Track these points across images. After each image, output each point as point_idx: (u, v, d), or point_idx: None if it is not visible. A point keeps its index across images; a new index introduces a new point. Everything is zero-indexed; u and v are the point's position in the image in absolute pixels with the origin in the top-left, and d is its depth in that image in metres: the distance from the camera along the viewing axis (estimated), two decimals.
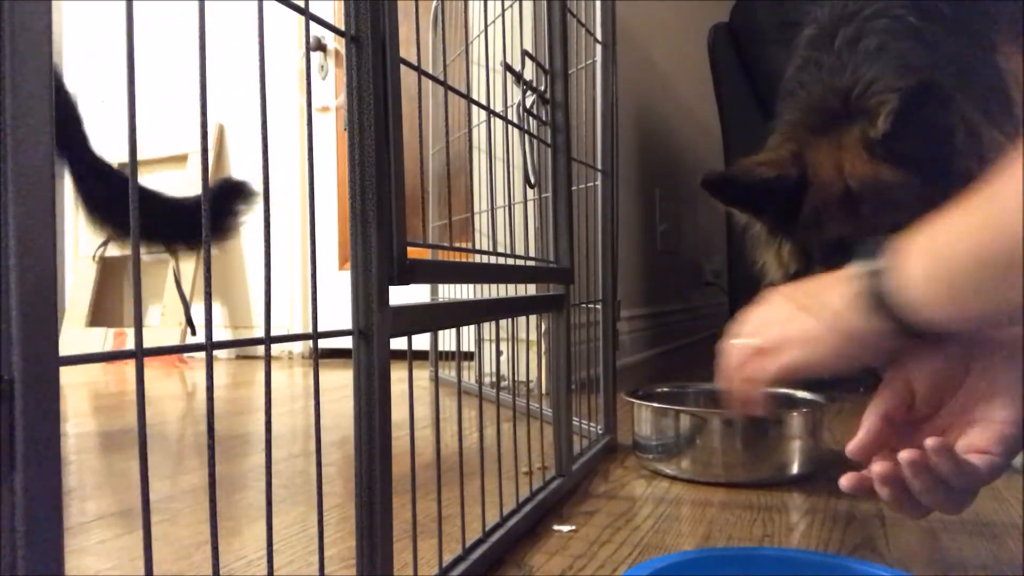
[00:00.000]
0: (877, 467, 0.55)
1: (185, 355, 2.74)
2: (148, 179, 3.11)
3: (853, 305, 0.56)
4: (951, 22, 1.00)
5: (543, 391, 1.53)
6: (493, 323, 1.36)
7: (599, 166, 1.26)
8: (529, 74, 0.96)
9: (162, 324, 2.91)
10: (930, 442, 0.53)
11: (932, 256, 0.52)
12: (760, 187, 0.99)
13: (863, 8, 1.02)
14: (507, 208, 0.94)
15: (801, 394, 1.14)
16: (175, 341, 2.76)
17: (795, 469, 1.01)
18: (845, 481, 0.59)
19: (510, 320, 1.49)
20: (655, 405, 1.08)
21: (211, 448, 0.41)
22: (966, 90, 0.92)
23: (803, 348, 0.60)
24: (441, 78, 0.72)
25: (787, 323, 0.62)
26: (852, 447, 0.61)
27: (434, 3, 1.95)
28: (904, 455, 0.54)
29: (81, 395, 2.00)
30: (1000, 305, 0.49)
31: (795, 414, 1.03)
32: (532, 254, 0.96)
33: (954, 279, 0.51)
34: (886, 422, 0.60)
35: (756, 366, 0.64)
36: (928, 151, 0.89)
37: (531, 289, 1.04)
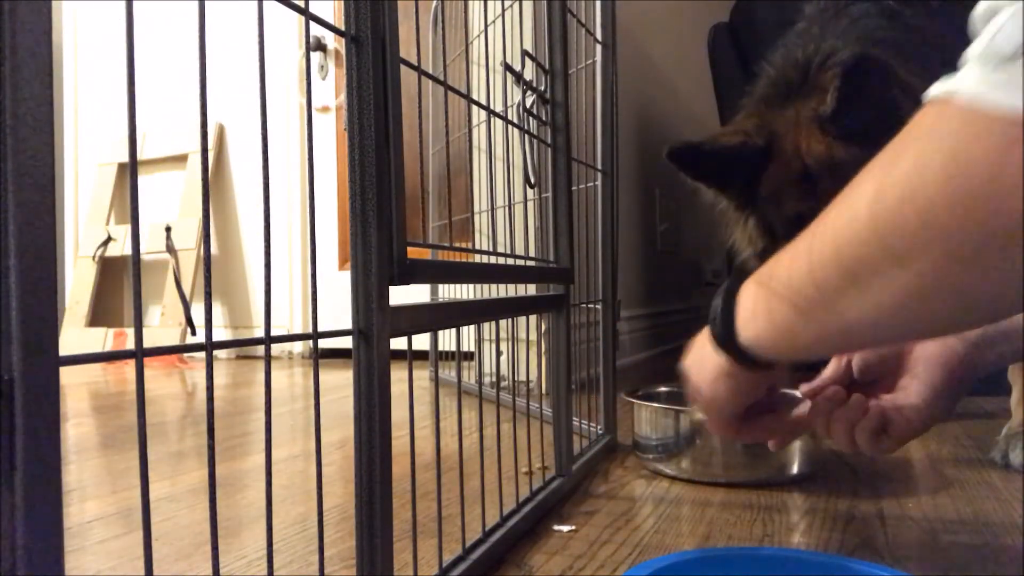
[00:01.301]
0: (820, 404, 0.68)
1: (185, 355, 2.74)
2: (148, 179, 3.12)
3: (710, 343, 0.61)
4: (936, 7, 1.00)
5: (543, 391, 1.53)
6: (493, 323, 1.37)
7: (599, 166, 1.26)
8: (529, 74, 0.96)
9: (162, 324, 2.91)
10: (873, 403, 0.66)
11: (758, 293, 0.54)
12: (725, 155, 1.00)
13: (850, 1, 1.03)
14: (507, 208, 0.94)
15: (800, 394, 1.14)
16: (175, 341, 2.76)
17: (795, 469, 1.01)
18: (773, 441, 0.73)
19: (510, 320, 1.49)
20: (656, 405, 1.08)
21: (211, 448, 0.41)
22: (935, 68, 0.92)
23: (711, 390, 0.66)
24: (441, 78, 0.72)
25: (698, 367, 0.67)
26: (807, 389, 0.72)
27: (434, 3, 1.95)
28: (855, 397, 0.67)
29: (81, 395, 2.00)
30: (824, 343, 0.52)
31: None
32: (532, 254, 0.96)
33: (773, 316, 0.52)
34: (840, 384, 0.70)
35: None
36: (876, 126, 0.89)
37: (531, 289, 1.04)
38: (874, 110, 0.88)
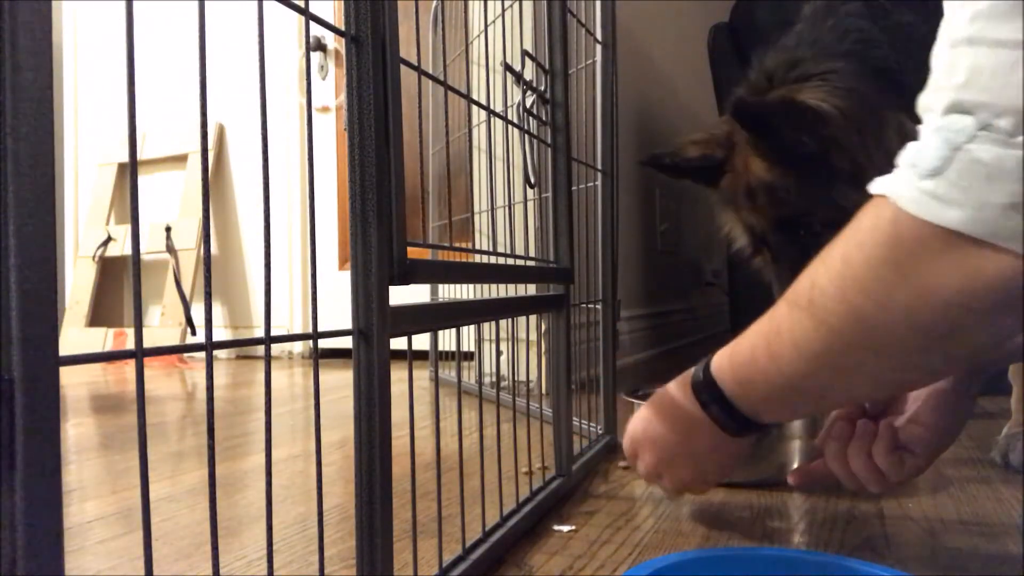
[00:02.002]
0: (831, 446, 0.67)
1: (185, 355, 2.74)
2: (148, 179, 3.11)
3: (695, 405, 0.65)
4: (933, 8, 1.00)
5: (543, 391, 1.53)
6: (493, 323, 1.36)
7: (599, 166, 1.26)
8: (529, 74, 0.96)
9: (162, 324, 2.91)
10: (884, 422, 0.65)
11: (733, 365, 0.62)
12: (686, 167, 1.05)
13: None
14: (507, 208, 0.94)
15: None
16: (175, 341, 2.76)
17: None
18: (792, 478, 0.72)
19: (510, 320, 1.49)
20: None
21: (211, 448, 0.41)
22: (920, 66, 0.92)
23: (698, 464, 0.71)
24: (441, 78, 0.72)
25: (672, 444, 0.71)
26: (819, 439, 0.72)
27: (434, 3, 1.95)
28: (860, 423, 0.66)
29: (81, 395, 2.00)
30: (799, 408, 0.64)
31: None
32: (532, 254, 0.96)
33: (752, 385, 0.60)
34: (846, 420, 0.69)
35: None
36: (790, 154, 0.93)
37: (531, 289, 1.04)
38: (784, 141, 0.92)
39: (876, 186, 0.46)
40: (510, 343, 1.61)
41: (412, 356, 0.61)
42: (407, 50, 0.58)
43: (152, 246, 2.88)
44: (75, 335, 3.01)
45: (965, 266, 0.42)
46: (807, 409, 0.68)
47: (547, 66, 0.97)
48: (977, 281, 0.42)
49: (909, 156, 0.44)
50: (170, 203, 3.03)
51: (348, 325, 0.54)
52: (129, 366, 2.46)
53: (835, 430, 0.67)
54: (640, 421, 0.73)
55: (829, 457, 0.66)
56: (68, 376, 2.16)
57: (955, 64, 0.42)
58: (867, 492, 0.69)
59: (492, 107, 0.80)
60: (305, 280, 2.96)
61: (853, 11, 0.98)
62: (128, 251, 3.03)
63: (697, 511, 0.90)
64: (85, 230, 3.19)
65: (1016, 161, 0.39)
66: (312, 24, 0.51)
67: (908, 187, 0.43)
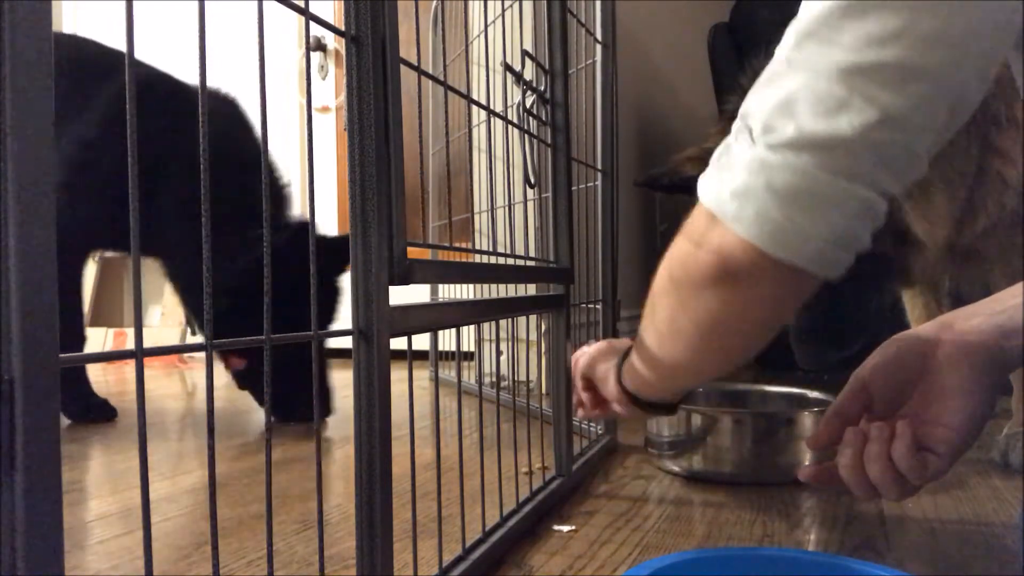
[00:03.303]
0: (845, 453, 0.62)
1: (185, 355, 2.74)
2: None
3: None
4: None
5: (543, 391, 1.53)
6: (493, 323, 1.36)
7: (599, 166, 1.26)
8: (529, 74, 0.96)
9: (162, 324, 2.91)
10: (901, 422, 0.60)
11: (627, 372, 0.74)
12: (684, 185, 1.04)
13: None
14: (507, 208, 0.94)
15: (812, 394, 1.14)
16: (175, 341, 2.76)
17: None
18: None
19: (510, 320, 1.49)
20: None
21: (211, 448, 0.41)
22: None
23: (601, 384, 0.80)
24: (441, 78, 0.72)
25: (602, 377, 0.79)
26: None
27: (434, 3, 1.95)
28: (874, 425, 0.61)
29: None
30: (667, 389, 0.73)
31: (805, 413, 1.03)
32: (532, 254, 0.96)
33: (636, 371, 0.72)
34: (840, 417, 0.65)
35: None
36: None
37: (531, 289, 1.04)
38: None
39: (699, 188, 0.56)
40: (510, 343, 1.61)
41: (412, 356, 0.61)
42: (407, 50, 0.58)
43: None
44: None
45: (711, 237, 0.52)
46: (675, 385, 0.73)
47: (547, 66, 0.97)
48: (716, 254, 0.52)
49: (707, 177, 0.55)
50: None
51: (348, 325, 0.54)
52: (129, 366, 2.46)
53: (847, 437, 0.62)
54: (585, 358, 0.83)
55: (843, 466, 0.62)
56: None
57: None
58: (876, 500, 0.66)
59: (492, 107, 0.80)
60: None
61: None
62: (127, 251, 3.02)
63: (697, 511, 0.90)
64: None
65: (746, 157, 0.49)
66: (312, 24, 0.51)
67: (717, 201, 0.52)
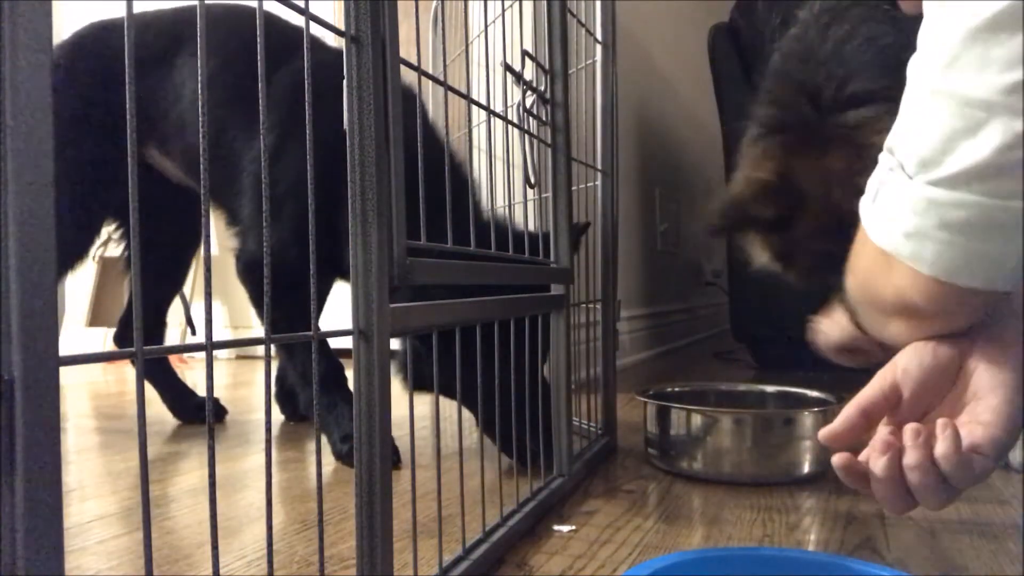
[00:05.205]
0: (880, 462, 0.56)
1: (185, 355, 2.74)
2: None
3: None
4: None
5: None
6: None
7: (599, 166, 1.26)
8: (529, 74, 0.96)
9: None
10: (940, 421, 0.55)
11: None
12: (761, 224, 0.99)
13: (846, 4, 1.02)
14: (507, 208, 0.94)
15: (813, 393, 1.14)
16: (175, 341, 2.76)
17: (806, 468, 1.01)
18: (838, 459, 0.59)
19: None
20: (668, 404, 1.08)
21: (211, 448, 0.41)
22: None
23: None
24: (441, 78, 0.72)
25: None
26: (824, 433, 0.61)
27: (434, 3, 1.95)
28: (910, 427, 0.56)
29: (81, 395, 2.00)
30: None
31: (806, 413, 1.03)
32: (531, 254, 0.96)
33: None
34: (864, 416, 0.61)
35: None
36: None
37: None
38: None
39: (861, 207, 0.58)
40: None
41: (412, 356, 0.61)
42: (407, 50, 0.58)
43: None
44: (75, 335, 3.00)
45: (892, 277, 0.54)
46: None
47: (547, 66, 0.97)
48: (897, 292, 0.55)
49: (869, 196, 0.57)
50: None
51: (348, 325, 0.54)
52: (129, 366, 2.46)
53: (879, 444, 0.57)
54: None
55: (880, 479, 0.56)
56: (68, 376, 2.15)
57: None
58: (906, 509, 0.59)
59: (492, 107, 0.80)
60: None
61: (869, 15, 0.96)
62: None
63: (697, 511, 0.90)
64: None
65: (914, 197, 0.49)
66: (312, 24, 0.51)
67: (866, 216, 0.56)
